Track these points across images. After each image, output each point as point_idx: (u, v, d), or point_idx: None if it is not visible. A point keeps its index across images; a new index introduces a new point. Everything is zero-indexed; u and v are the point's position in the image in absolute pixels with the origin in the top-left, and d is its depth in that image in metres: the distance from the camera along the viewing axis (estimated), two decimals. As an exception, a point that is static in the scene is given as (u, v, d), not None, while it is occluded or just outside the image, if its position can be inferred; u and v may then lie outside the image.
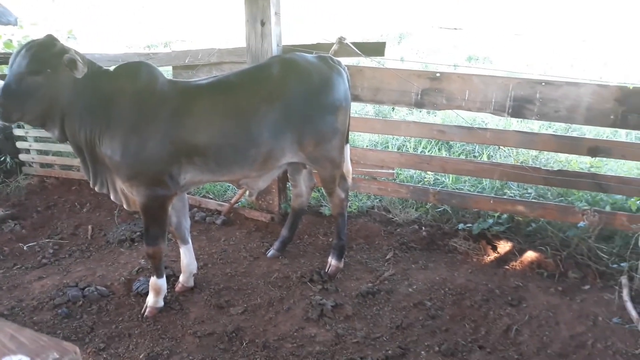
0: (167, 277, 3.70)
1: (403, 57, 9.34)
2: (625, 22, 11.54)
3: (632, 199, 3.60)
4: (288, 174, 3.94)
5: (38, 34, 6.97)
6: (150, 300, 3.35)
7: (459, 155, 4.98)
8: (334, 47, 3.89)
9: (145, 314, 3.31)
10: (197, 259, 3.98)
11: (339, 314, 3.32)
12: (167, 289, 3.44)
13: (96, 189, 3.09)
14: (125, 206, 3.18)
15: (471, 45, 10.37)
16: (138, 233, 4.32)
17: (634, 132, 5.11)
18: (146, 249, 3.20)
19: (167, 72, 6.28)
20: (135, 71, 2.98)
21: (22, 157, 5.49)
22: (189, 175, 3.10)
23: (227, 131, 3.04)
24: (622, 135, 5.15)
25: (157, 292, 3.33)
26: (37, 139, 5.39)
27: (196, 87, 3.11)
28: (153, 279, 3.32)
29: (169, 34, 12.26)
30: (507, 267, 3.78)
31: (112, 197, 3.15)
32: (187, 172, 3.08)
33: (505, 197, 4.07)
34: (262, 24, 3.93)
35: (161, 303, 3.37)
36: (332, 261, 3.75)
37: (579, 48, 10.00)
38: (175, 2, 16.15)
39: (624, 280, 3.36)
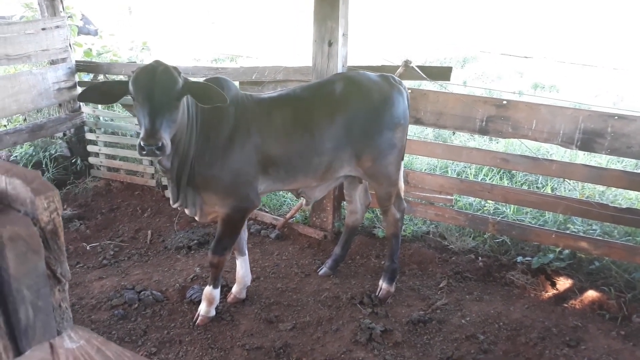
0: (220, 288, 3.79)
1: (466, 81, 9.23)
2: None
3: None
4: (344, 190, 3.95)
5: (115, 44, 7.38)
6: (202, 309, 3.41)
7: (521, 185, 4.84)
8: (400, 69, 3.89)
9: (197, 322, 3.38)
10: (254, 272, 4.06)
11: (388, 340, 3.27)
12: (220, 299, 3.50)
13: (176, 205, 3.13)
14: (197, 218, 3.23)
15: (538, 73, 10.12)
16: (195, 241, 4.43)
17: None
18: (211, 258, 3.27)
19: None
20: (222, 86, 3.06)
21: (92, 160, 5.75)
22: (264, 185, 3.23)
23: (296, 141, 3.17)
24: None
25: (211, 302, 3.40)
26: (106, 144, 5.64)
27: (269, 100, 3.22)
28: (208, 289, 3.39)
29: (235, 50, 12.61)
30: (566, 305, 3.63)
31: (187, 212, 3.19)
32: (263, 182, 3.20)
33: (568, 232, 3.92)
34: (330, 44, 3.99)
35: (213, 313, 3.43)
36: (383, 284, 3.72)
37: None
38: (243, 20, 16.65)
39: (695, 330, 3.16)
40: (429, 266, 4.10)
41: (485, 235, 4.30)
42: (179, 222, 4.84)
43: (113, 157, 5.69)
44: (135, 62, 5.75)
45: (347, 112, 3.23)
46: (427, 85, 4.20)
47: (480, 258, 4.14)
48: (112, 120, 5.67)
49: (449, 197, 4.17)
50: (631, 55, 11.52)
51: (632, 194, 4.20)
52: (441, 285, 3.86)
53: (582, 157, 4.99)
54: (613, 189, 4.22)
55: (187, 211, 3.19)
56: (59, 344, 0.63)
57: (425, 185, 4.22)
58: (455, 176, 4.92)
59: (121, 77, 6.27)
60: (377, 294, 3.70)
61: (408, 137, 3.80)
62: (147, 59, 7.66)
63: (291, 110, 3.20)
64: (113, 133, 5.64)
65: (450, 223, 4.30)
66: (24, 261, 0.69)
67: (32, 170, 0.78)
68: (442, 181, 4.19)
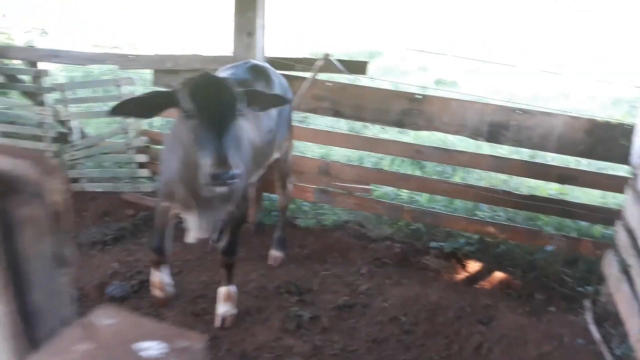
0: (141, 282, 3.68)
1: (373, 76, 9.53)
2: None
3: (597, 226, 3.80)
4: (276, 174, 4.04)
5: (7, 26, 6.80)
6: (229, 309, 3.30)
7: (432, 175, 5.12)
8: (319, 62, 3.96)
9: (228, 323, 3.27)
10: (172, 265, 3.97)
11: (316, 326, 3.36)
12: (145, 296, 3.41)
13: (213, 237, 2.94)
14: (215, 236, 3.01)
15: (439, 69, 10.65)
16: (110, 236, 4.24)
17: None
18: (230, 260, 3.25)
19: (147, 75, 6.21)
20: (265, 75, 3.19)
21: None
22: (254, 178, 3.35)
23: (269, 130, 3.27)
24: (584, 164, 5.39)
25: (233, 300, 3.34)
26: (4, 134, 5.21)
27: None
28: (229, 288, 3.32)
29: (141, 37, 12.08)
30: (477, 286, 3.91)
31: (203, 235, 2.96)
32: (254, 175, 3.31)
33: (476, 218, 4.21)
34: (249, 35, 3.97)
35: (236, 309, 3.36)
36: (277, 253, 3.99)
37: (544, 77, 10.42)
38: (151, 8, 15.95)
39: (587, 303, 3.54)
40: (350, 254, 4.23)
41: (400, 223, 4.51)
42: (91, 217, 4.60)
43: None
44: (33, 47, 5.34)
45: None
46: (339, 77, 4.32)
47: (397, 244, 4.33)
48: (9, 109, 5.24)
49: (367, 187, 4.33)
50: (525, 53, 12.46)
51: (532, 182, 4.59)
52: (362, 272, 4.00)
53: (486, 149, 5.36)
54: (515, 177, 4.59)
55: (203, 235, 2.93)
56: (93, 322, 0.62)
57: (345, 176, 4.34)
58: (372, 167, 5.09)
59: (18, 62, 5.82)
60: (272, 262, 3.97)
61: (326, 129, 3.95)
62: (45, 44, 7.15)
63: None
64: (11, 123, 5.22)
65: (369, 212, 4.47)
66: (36, 243, 0.66)
67: (37, 150, 0.75)
68: (361, 172, 4.34)
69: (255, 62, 3.64)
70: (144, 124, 5.09)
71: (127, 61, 4.56)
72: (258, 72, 3.45)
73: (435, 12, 17.64)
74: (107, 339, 0.59)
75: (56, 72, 7.26)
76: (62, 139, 4.94)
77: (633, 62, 10.67)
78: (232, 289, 3.39)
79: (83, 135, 5.00)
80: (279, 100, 2.68)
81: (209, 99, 2.24)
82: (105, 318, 0.62)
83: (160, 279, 3.36)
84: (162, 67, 4.47)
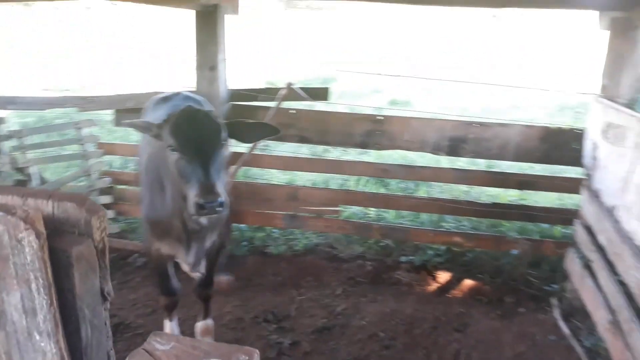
0: (116, 326, 3.63)
1: (331, 101, 9.72)
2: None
3: (557, 227, 3.99)
4: None
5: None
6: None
7: (397, 191, 5.25)
8: (282, 91, 4.05)
9: None
10: (143, 304, 3.94)
11: (297, 352, 3.38)
12: (120, 339, 3.37)
13: (195, 269, 2.88)
14: (201, 269, 2.99)
15: (391, 90, 10.95)
16: None
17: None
18: (208, 291, 3.25)
19: (107, 116, 6.16)
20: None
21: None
22: None
23: None
24: (537, 169, 5.65)
25: (212, 333, 3.33)
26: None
27: None
28: (210, 322, 3.32)
29: (83, 78, 11.97)
30: (448, 295, 4.02)
31: (196, 269, 2.92)
32: None
33: (443, 229, 4.35)
34: (212, 69, 4.04)
35: None
36: (223, 277, 4.00)
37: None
38: (92, 52, 15.84)
39: (554, 301, 3.69)
40: (324, 276, 4.28)
41: (370, 241, 4.60)
42: None
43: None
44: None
45: None
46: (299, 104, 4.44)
47: (368, 262, 4.42)
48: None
49: (336, 208, 4.41)
50: (472, 69, 12.95)
51: (492, 190, 4.78)
52: (338, 292, 4.06)
53: (444, 163, 5.54)
54: (476, 187, 4.77)
55: (192, 269, 2.88)
56: (152, 349, 0.66)
57: (314, 200, 4.41)
58: (339, 188, 5.19)
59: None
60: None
61: (290, 155, 4.02)
62: (-4, 91, 6.99)
63: None
64: (-34, 174, 5.09)
65: (339, 232, 4.54)
66: (85, 280, 0.70)
67: (78, 193, 0.79)
68: (329, 194, 4.43)
69: (186, 93, 3.59)
70: (106, 164, 5.06)
71: (86, 103, 4.55)
72: (195, 103, 3.36)
73: (377, 35, 18.15)
74: (173, 363, 0.64)
75: (9, 118, 7.12)
76: (22, 186, 4.85)
77: (574, 71, 11.25)
78: (210, 322, 3.37)
79: (43, 181, 4.92)
80: (267, 130, 2.60)
81: (192, 133, 2.26)
82: (160, 344, 0.67)
83: (172, 331, 3.25)
84: (123, 106, 4.47)
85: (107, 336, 0.82)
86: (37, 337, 0.77)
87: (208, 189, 2.16)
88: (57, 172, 5.81)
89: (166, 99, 3.45)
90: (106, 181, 4.67)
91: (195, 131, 2.27)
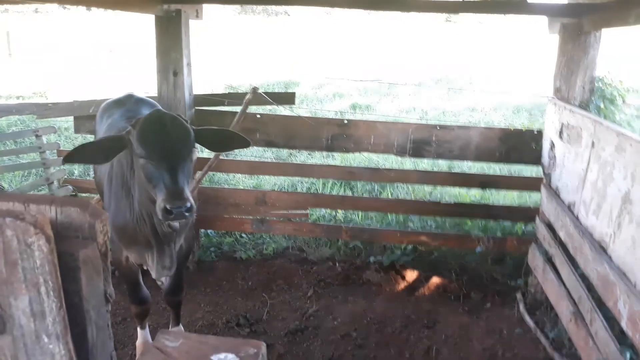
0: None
1: (294, 106, 9.77)
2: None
3: (518, 224, 4.14)
4: None
5: None
6: None
7: (362, 193, 5.34)
8: (248, 96, 4.05)
9: None
10: (113, 313, 3.86)
11: (271, 355, 3.39)
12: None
13: (169, 273, 2.78)
14: (171, 271, 2.84)
15: (352, 95, 11.09)
16: None
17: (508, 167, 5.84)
18: (177, 298, 3.21)
19: (64, 123, 6.00)
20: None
21: None
22: None
23: None
24: (497, 170, 5.85)
25: None
26: None
27: None
28: (181, 329, 3.29)
29: (41, 84, 11.63)
30: (417, 293, 4.11)
31: (167, 274, 2.83)
32: None
33: (409, 229, 4.44)
34: (175, 74, 4.02)
35: None
36: None
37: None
38: (44, 55, 15.40)
39: (518, 296, 3.83)
40: (294, 279, 4.31)
41: (339, 243, 4.66)
42: None
43: None
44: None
45: None
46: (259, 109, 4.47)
47: (338, 264, 4.47)
48: None
49: (305, 211, 4.44)
50: (427, 74, 13.24)
51: (455, 190, 4.92)
52: (309, 295, 4.09)
53: (408, 165, 5.67)
54: (439, 187, 4.90)
55: (165, 274, 2.79)
56: (162, 346, 0.68)
57: (282, 204, 4.43)
58: (307, 192, 5.23)
59: None
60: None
61: (257, 159, 4.01)
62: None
63: None
64: None
65: (308, 236, 4.58)
66: (91, 283, 0.71)
67: (79, 198, 0.80)
68: (298, 197, 4.46)
69: (138, 95, 3.57)
70: (67, 172, 4.95)
71: (45, 110, 4.43)
72: (149, 105, 3.38)
73: (340, 40, 18.34)
74: (184, 358, 0.66)
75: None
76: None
77: (527, 73, 11.66)
78: (181, 329, 3.36)
79: (1, 191, 4.77)
80: (237, 141, 2.60)
81: (158, 138, 2.23)
82: (169, 342, 0.69)
83: (146, 339, 3.24)
84: (84, 113, 4.39)
85: (110, 337, 0.83)
86: (46, 340, 0.78)
87: (176, 195, 2.15)
88: (15, 181, 5.65)
89: (119, 102, 3.41)
90: (68, 189, 4.56)
91: (163, 136, 2.24)
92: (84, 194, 4.75)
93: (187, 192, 2.20)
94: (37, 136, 4.44)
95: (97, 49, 16.60)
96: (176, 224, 2.53)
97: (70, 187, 4.60)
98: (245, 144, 2.62)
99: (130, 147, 2.32)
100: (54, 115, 4.58)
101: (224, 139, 2.62)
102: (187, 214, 2.16)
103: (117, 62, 13.58)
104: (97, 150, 2.36)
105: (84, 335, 0.75)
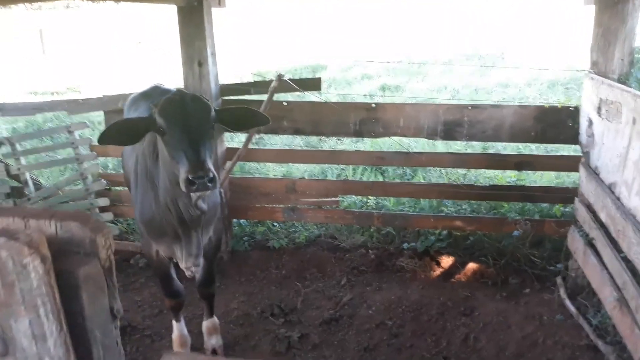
0: (123, 328, 3.60)
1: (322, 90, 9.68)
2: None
3: (557, 206, 4.00)
4: None
5: None
6: (218, 341, 3.34)
7: (394, 178, 5.24)
8: (274, 84, 4.00)
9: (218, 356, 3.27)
10: (149, 305, 3.92)
11: (306, 344, 3.39)
12: (128, 341, 3.36)
13: (192, 262, 2.76)
14: (198, 259, 2.83)
15: (381, 76, 10.90)
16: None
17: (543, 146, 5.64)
18: (210, 290, 3.26)
19: (97, 117, 6.09)
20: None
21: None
22: None
23: None
24: (532, 149, 5.66)
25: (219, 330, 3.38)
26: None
27: None
28: (214, 320, 3.35)
29: (74, 81, 11.84)
30: (453, 280, 4.03)
31: (194, 262, 2.78)
32: None
33: (443, 214, 4.35)
34: (200, 64, 3.99)
35: None
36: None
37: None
38: (77, 51, 15.67)
39: (559, 280, 3.71)
40: (327, 267, 4.28)
41: (371, 229, 4.60)
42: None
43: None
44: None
45: None
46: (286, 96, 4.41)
47: (370, 251, 4.42)
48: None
49: (335, 199, 4.39)
50: (457, 50, 12.91)
51: (490, 172, 4.78)
52: (342, 283, 4.06)
53: (441, 147, 5.54)
54: (473, 170, 4.77)
55: (195, 262, 2.76)
56: None
57: (312, 191, 4.39)
58: (336, 179, 5.18)
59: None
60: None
61: (286, 147, 3.96)
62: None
63: None
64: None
65: (339, 223, 4.53)
66: (94, 301, 0.68)
67: (81, 212, 0.77)
68: (327, 185, 4.41)
69: (163, 86, 3.56)
70: (100, 167, 5.01)
71: (76, 106, 4.49)
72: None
73: (367, 19, 18.07)
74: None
75: (-3, 125, 7.06)
76: (17, 193, 4.79)
77: (562, 47, 11.23)
78: (215, 320, 3.38)
79: (38, 187, 4.87)
80: (257, 118, 2.61)
81: (178, 113, 2.29)
82: None
83: (181, 332, 3.29)
84: (113, 107, 4.42)
85: (119, 354, 0.80)
86: (48, 363, 0.75)
87: (198, 165, 2.18)
88: (52, 176, 5.77)
89: (145, 95, 3.42)
90: (102, 183, 4.62)
91: (184, 110, 2.30)
92: (118, 187, 4.81)
93: (209, 164, 2.22)
94: (69, 132, 4.49)
95: (125, 41, 16.80)
96: (203, 204, 2.52)
97: (104, 181, 4.65)
98: (265, 121, 2.63)
99: (154, 126, 2.35)
100: (84, 110, 4.64)
101: (245, 117, 2.61)
102: (209, 184, 2.18)
103: (145, 54, 13.70)
104: (126, 130, 2.41)
105: (90, 356, 0.71)
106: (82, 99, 4.63)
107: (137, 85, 3.87)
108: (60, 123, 7.13)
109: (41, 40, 17.16)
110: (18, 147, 4.65)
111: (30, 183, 4.73)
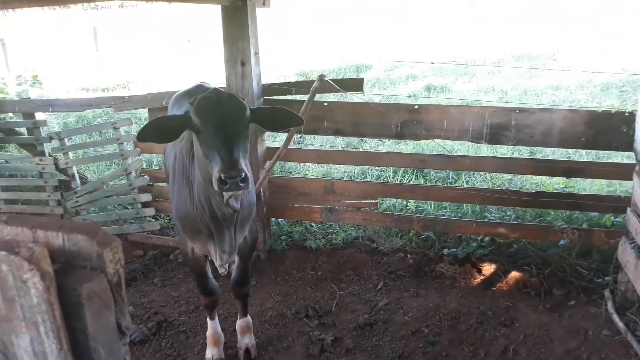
0: (159, 324, 3.65)
1: (365, 91, 9.60)
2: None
3: (607, 215, 3.80)
4: None
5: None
6: (250, 341, 3.34)
7: (435, 182, 5.13)
8: (315, 84, 3.98)
9: (252, 356, 3.30)
10: (186, 301, 3.96)
11: (339, 348, 3.33)
12: (164, 337, 3.39)
13: (226, 259, 2.76)
14: (231, 257, 2.83)
15: (427, 76, 10.73)
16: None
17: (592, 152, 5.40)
18: (244, 289, 3.26)
19: (145, 113, 6.23)
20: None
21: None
22: None
23: None
24: (584, 155, 5.43)
25: (251, 330, 3.38)
26: (4, 188, 5.20)
27: None
28: (248, 319, 3.36)
29: (124, 77, 12.17)
30: (494, 288, 3.89)
31: (228, 260, 2.78)
32: None
33: (486, 220, 4.21)
34: (243, 64, 4.00)
35: None
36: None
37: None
38: (128, 48, 16.10)
39: (607, 293, 3.52)
40: (364, 270, 4.22)
41: (410, 233, 4.51)
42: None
43: (14, 202, 5.27)
44: (29, 97, 5.35)
45: None
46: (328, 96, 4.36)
47: (409, 255, 4.33)
48: (6, 162, 5.25)
49: (374, 201, 4.33)
50: (506, 51, 12.58)
51: (537, 178, 4.60)
52: (379, 287, 3.99)
53: (485, 150, 5.39)
54: (519, 176, 4.60)
55: (225, 259, 2.76)
56: None
57: (351, 193, 4.34)
58: (376, 180, 5.11)
59: (11, 116, 5.85)
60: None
61: (328, 148, 3.92)
62: (37, 94, 7.18)
63: None
64: (11, 176, 5.22)
65: (378, 225, 4.47)
66: (98, 319, 0.66)
67: (90, 223, 0.75)
68: (367, 187, 4.35)
69: (207, 85, 3.55)
70: (144, 163, 5.11)
71: (122, 103, 4.59)
72: None
73: (415, 18, 17.84)
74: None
75: (49, 120, 7.30)
76: (64, 186, 4.95)
77: (617, 48, 10.76)
78: (249, 319, 3.38)
79: (84, 181, 5.01)
80: (291, 119, 2.60)
81: (213, 112, 2.29)
82: None
83: (215, 329, 3.29)
84: (157, 104, 4.50)
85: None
86: (49, 382, 0.73)
87: (231, 165, 2.17)
88: (99, 171, 5.94)
89: (189, 93, 3.44)
90: (145, 179, 4.70)
91: (219, 109, 2.30)
92: (160, 184, 4.89)
93: (242, 164, 2.21)
94: (115, 128, 4.60)
95: (176, 40, 17.15)
96: (236, 204, 2.52)
97: (147, 177, 4.74)
98: (300, 122, 2.63)
99: (190, 124, 2.36)
100: (129, 107, 4.73)
101: (279, 117, 2.60)
102: (241, 184, 2.17)
103: (194, 52, 13.94)
104: (163, 128, 2.43)
105: (98, 374, 0.69)
106: (128, 96, 4.72)
107: (185, 83, 3.92)
108: (109, 119, 7.33)
109: (95, 38, 17.73)
110: (66, 142, 4.80)
111: (76, 177, 4.87)
